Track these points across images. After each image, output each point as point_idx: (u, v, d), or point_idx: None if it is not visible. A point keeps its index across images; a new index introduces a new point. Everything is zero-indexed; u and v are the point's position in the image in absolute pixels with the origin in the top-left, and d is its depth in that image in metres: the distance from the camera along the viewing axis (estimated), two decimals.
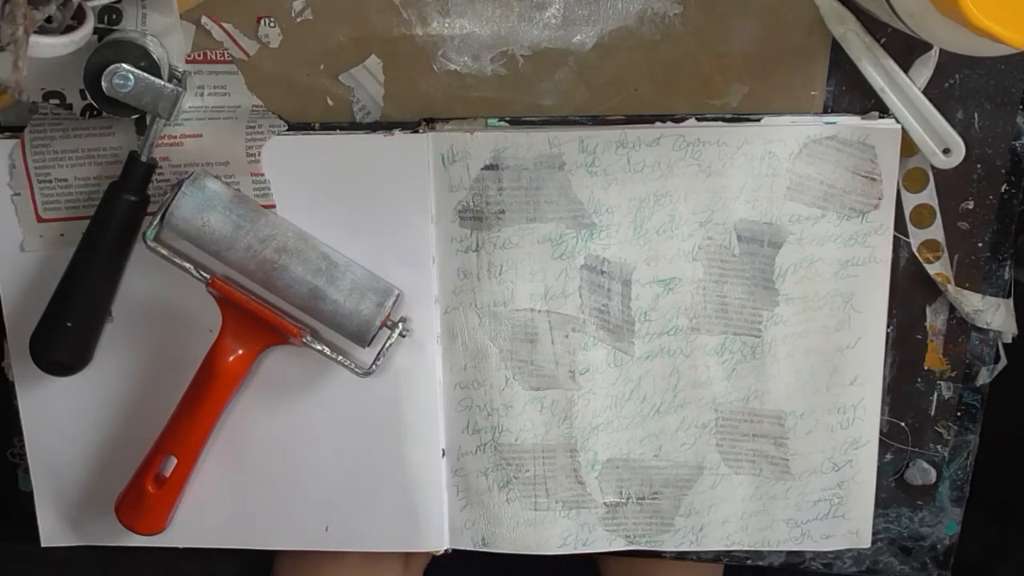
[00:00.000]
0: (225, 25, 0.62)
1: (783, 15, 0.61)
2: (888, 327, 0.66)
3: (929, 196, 0.64)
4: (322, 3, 0.62)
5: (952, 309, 0.66)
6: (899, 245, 0.65)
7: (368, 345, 0.64)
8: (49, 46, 0.54)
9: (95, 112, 0.62)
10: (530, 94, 0.63)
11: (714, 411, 0.67)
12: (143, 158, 0.61)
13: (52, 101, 0.63)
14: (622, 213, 0.64)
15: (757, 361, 0.66)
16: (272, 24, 0.62)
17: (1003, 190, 0.64)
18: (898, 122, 0.62)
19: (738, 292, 0.65)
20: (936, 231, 0.65)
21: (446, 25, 0.62)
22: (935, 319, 0.67)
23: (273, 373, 0.67)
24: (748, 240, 0.64)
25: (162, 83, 0.59)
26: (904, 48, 0.61)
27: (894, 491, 0.70)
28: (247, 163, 0.63)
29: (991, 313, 0.66)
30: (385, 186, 0.63)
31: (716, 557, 0.71)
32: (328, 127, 0.64)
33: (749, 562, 0.72)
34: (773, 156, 0.63)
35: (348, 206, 0.64)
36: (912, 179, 0.64)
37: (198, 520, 0.69)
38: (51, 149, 0.63)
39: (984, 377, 0.68)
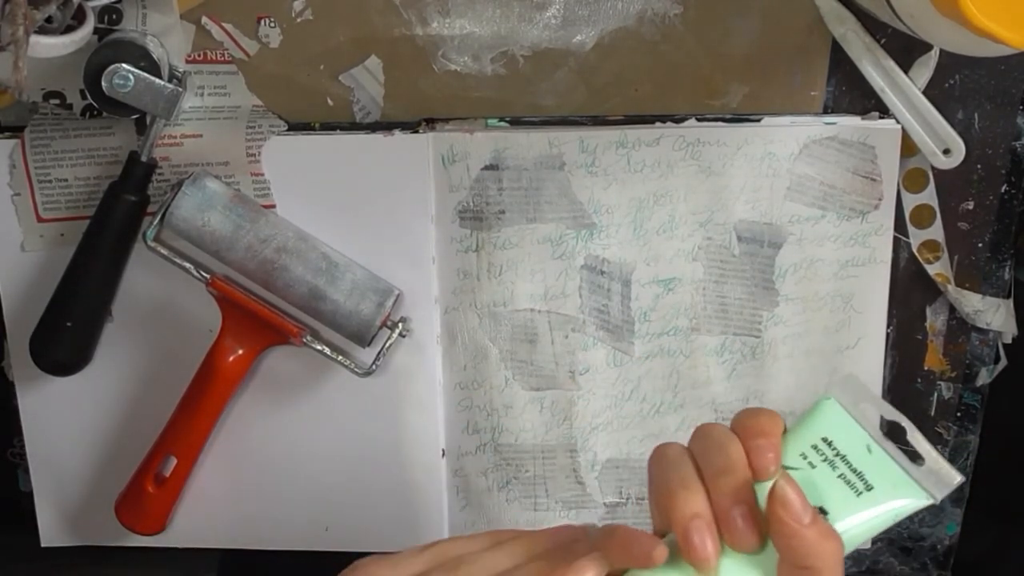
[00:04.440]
0: (225, 25, 0.62)
1: (783, 15, 0.61)
2: (888, 327, 0.66)
3: (929, 196, 0.64)
4: (322, 3, 0.62)
5: (952, 309, 0.66)
6: (899, 245, 0.65)
7: (368, 345, 0.64)
8: (49, 46, 0.54)
9: (95, 112, 0.62)
10: (530, 94, 0.63)
11: (714, 411, 0.67)
12: (143, 158, 0.61)
13: (52, 101, 0.63)
14: (622, 213, 0.64)
15: (757, 361, 0.66)
16: (272, 24, 0.62)
17: (1003, 190, 0.64)
18: (898, 122, 0.62)
19: (738, 292, 0.65)
20: (936, 231, 0.65)
21: (446, 25, 0.62)
22: (935, 319, 0.67)
23: (273, 373, 0.67)
24: (748, 240, 0.64)
25: (162, 83, 0.59)
26: (904, 48, 0.61)
27: None
28: (247, 163, 0.63)
29: (991, 313, 0.66)
30: (385, 186, 0.63)
31: None
32: (328, 127, 0.64)
33: None
34: (773, 156, 0.63)
35: (348, 206, 0.64)
36: (912, 179, 0.64)
37: (198, 520, 0.69)
38: (51, 149, 0.63)
39: (984, 377, 0.68)
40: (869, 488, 0.42)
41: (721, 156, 0.63)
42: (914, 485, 0.42)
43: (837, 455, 0.42)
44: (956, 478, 0.42)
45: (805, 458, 0.42)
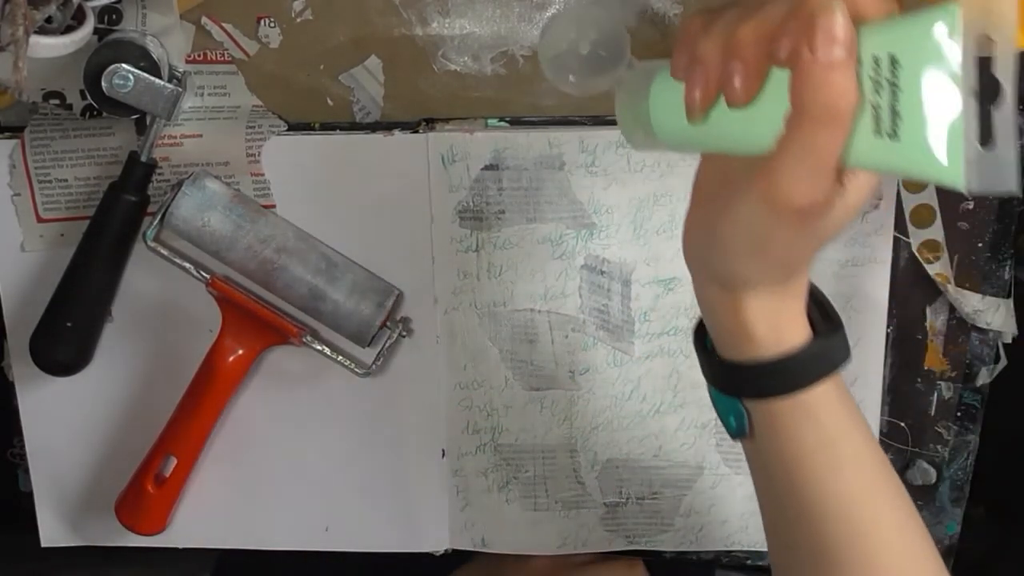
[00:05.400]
0: (225, 25, 0.62)
1: None
2: (888, 327, 0.66)
3: (929, 196, 0.64)
4: (322, 3, 0.62)
5: (952, 309, 0.66)
6: (899, 245, 0.65)
7: (368, 345, 0.64)
8: (49, 46, 0.54)
9: (95, 112, 0.62)
10: (530, 94, 0.63)
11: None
12: (143, 158, 0.61)
13: (52, 101, 0.63)
14: (622, 213, 0.64)
15: None
16: (272, 24, 0.62)
17: None
18: None
19: None
20: (936, 231, 0.65)
21: (446, 25, 0.62)
22: (935, 319, 0.67)
23: (273, 373, 0.67)
24: None
25: (162, 83, 0.59)
26: None
27: None
28: (247, 163, 0.63)
29: (991, 313, 0.66)
30: (385, 186, 0.63)
31: (716, 557, 0.71)
32: (328, 127, 0.64)
33: (749, 562, 0.72)
34: None
35: (348, 206, 0.64)
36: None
37: (198, 520, 0.69)
38: (51, 149, 0.63)
39: (984, 377, 0.68)
40: (894, 136, 0.35)
41: None
42: (953, 167, 0.34)
43: (893, 81, 0.35)
44: (1010, 188, 0.33)
45: (859, 63, 0.35)
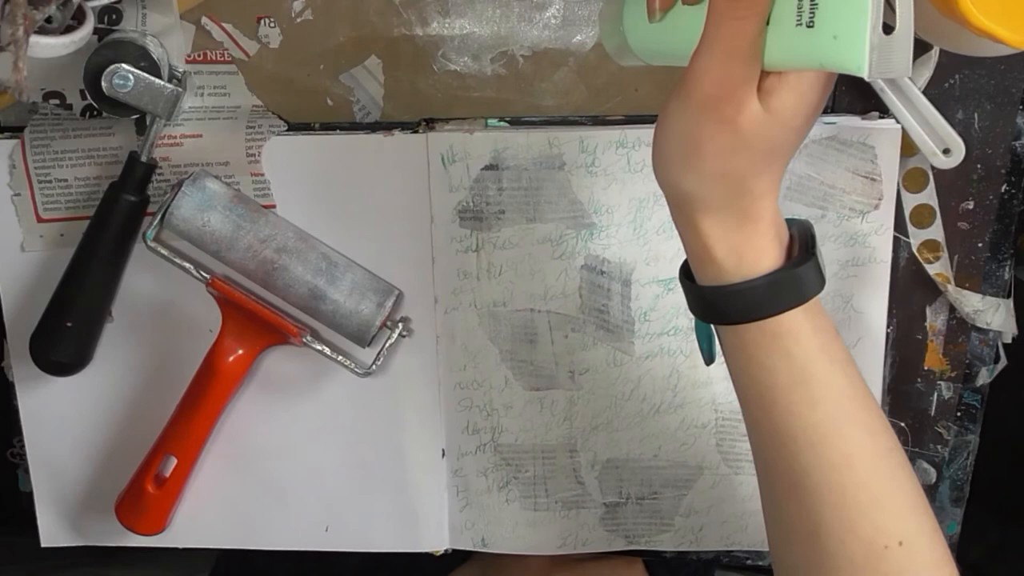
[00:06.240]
0: (225, 25, 0.62)
1: None
2: (888, 327, 0.66)
3: (929, 196, 0.64)
4: (322, 3, 0.62)
5: (952, 309, 0.66)
6: (899, 245, 0.65)
7: (368, 345, 0.64)
8: (49, 46, 0.54)
9: (95, 112, 0.63)
10: (530, 94, 0.63)
11: (714, 411, 0.67)
12: (143, 158, 0.61)
13: (52, 101, 0.63)
14: (622, 213, 0.64)
15: None
16: (272, 24, 0.62)
17: (1003, 190, 0.64)
18: (898, 122, 0.62)
19: None
20: (936, 231, 0.65)
21: (446, 25, 0.62)
22: (935, 319, 0.67)
23: (273, 373, 0.67)
24: None
25: (162, 83, 0.59)
26: None
27: None
28: (247, 163, 0.63)
29: (991, 313, 0.66)
30: (385, 186, 0.63)
31: (716, 557, 0.71)
32: (328, 127, 0.64)
33: (749, 562, 0.72)
34: None
35: (348, 206, 0.64)
36: (912, 179, 0.64)
37: (198, 520, 0.69)
38: (51, 149, 0.63)
39: (984, 377, 0.68)
40: (811, 26, 0.38)
41: None
42: (859, 50, 0.37)
43: None
44: (903, 72, 0.38)
45: None
